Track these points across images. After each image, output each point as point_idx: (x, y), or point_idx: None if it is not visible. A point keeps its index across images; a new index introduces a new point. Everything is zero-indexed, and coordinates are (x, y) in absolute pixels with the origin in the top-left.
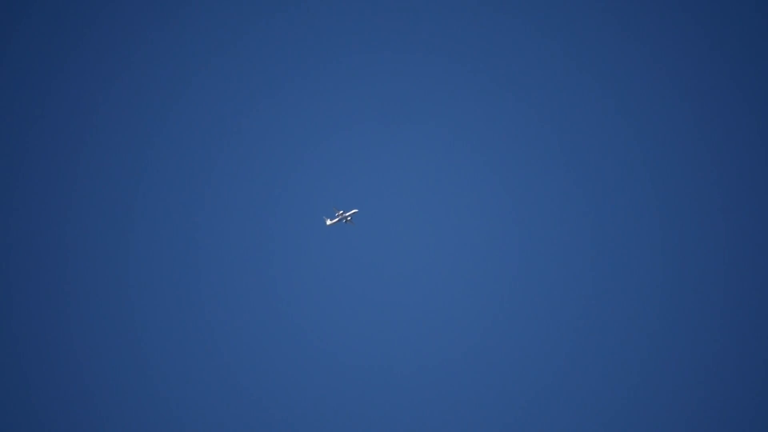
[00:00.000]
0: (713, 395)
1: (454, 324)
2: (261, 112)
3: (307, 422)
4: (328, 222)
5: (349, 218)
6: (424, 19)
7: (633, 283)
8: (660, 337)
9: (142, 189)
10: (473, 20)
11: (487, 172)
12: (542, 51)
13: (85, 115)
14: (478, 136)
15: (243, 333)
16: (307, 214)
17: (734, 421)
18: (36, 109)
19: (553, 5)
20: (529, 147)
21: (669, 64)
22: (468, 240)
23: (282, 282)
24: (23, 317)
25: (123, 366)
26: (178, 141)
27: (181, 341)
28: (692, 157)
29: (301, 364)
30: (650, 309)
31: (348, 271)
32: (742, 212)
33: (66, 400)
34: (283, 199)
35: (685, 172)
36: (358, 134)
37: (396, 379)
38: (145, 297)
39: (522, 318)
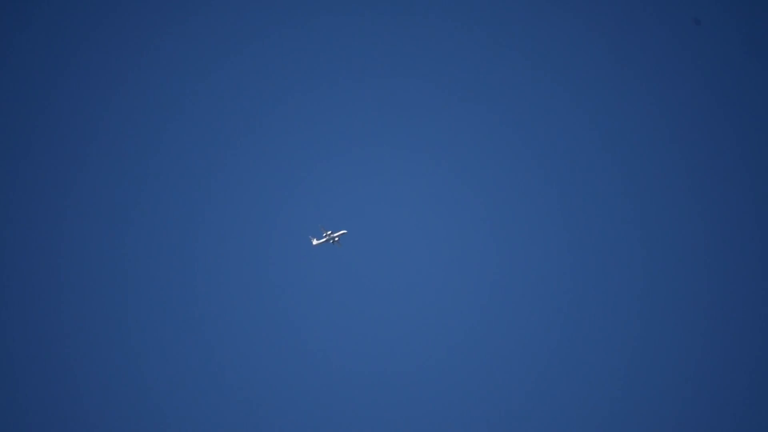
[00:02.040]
0: (702, 393)
1: (445, 328)
2: (263, 129)
3: (302, 424)
4: (315, 242)
5: (336, 239)
6: (416, 42)
7: (619, 283)
8: (648, 336)
9: (144, 196)
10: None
11: (472, 184)
12: (525, 65)
13: (91, 121)
14: (463, 149)
15: (241, 338)
16: (305, 223)
17: (724, 418)
18: (42, 108)
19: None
20: (510, 156)
21: (655, 69)
22: (457, 248)
23: (279, 288)
24: (24, 317)
25: (121, 371)
26: (181, 150)
27: (179, 345)
28: (670, 158)
29: (297, 367)
30: (638, 308)
31: (343, 279)
32: (729, 211)
33: (66, 399)
34: (284, 208)
35: (665, 176)
36: (352, 150)
37: (389, 382)
38: (146, 303)
39: (510, 320)
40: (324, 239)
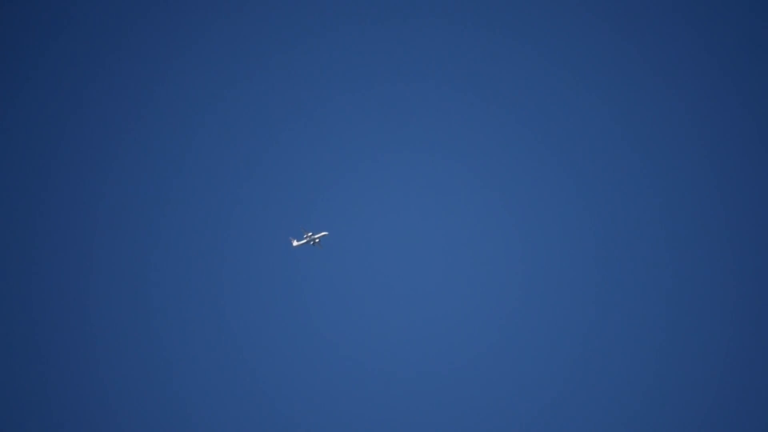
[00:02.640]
0: (716, 397)
1: (456, 329)
2: (265, 132)
3: (312, 423)
4: (295, 243)
5: (317, 240)
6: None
7: (635, 286)
8: (663, 339)
9: (159, 199)
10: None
11: (487, 181)
12: (530, 60)
13: (89, 124)
14: (475, 143)
15: (251, 338)
16: (314, 225)
17: (735, 422)
18: (44, 110)
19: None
20: (525, 153)
21: (662, 69)
22: (471, 247)
23: (290, 287)
24: (41, 317)
25: (133, 366)
26: (179, 153)
27: (189, 344)
28: (689, 160)
29: (309, 367)
30: (653, 311)
31: (355, 279)
32: (742, 213)
33: (81, 399)
34: (291, 211)
35: (684, 176)
36: (364, 153)
37: (400, 382)
38: (158, 301)
39: (523, 322)
40: (304, 240)
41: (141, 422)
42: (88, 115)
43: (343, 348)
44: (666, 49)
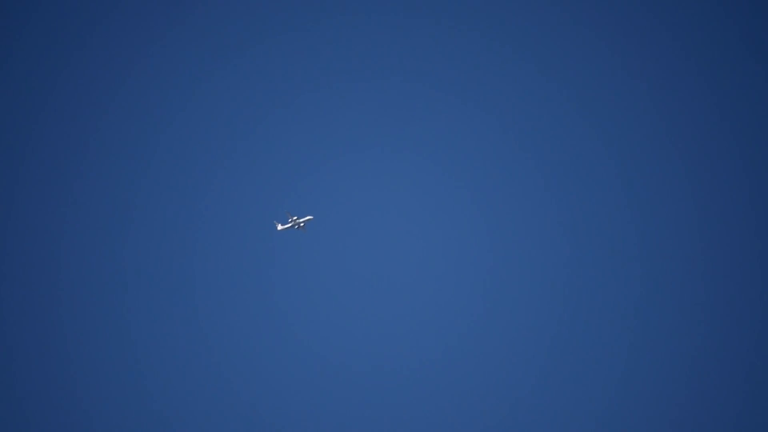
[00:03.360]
0: (702, 394)
1: (439, 325)
2: (256, 128)
3: (298, 423)
4: (279, 227)
5: (302, 224)
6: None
7: (612, 282)
8: (640, 335)
9: (139, 192)
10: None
11: (470, 181)
12: (516, 63)
13: (89, 119)
14: (455, 144)
15: (236, 337)
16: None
17: (724, 418)
18: (40, 109)
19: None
20: (505, 155)
21: (649, 70)
22: (451, 245)
23: (274, 286)
24: (22, 318)
25: (117, 369)
26: (171, 145)
27: (174, 344)
28: (667, 162)
29: (292, 365)
30: (629, 309)
31: (337, 276)
32: (729, 212)
33: (64, 400)
34: (279, 207)
35: (662, 173)
36: (349, 151)
37: (385, 380)
38: (140, 300)
39: (503, 318)
40: (289, 224)
41: (117, 422)
42: (67, 102)
43: (318, 343)
44: (654, 51)
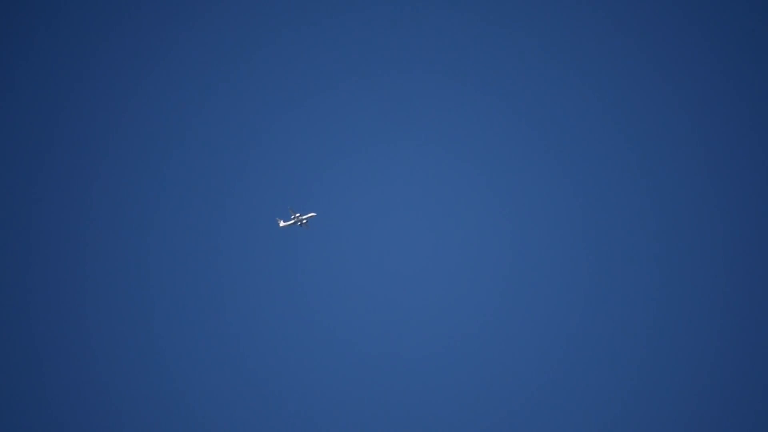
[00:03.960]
0: (715, 397)
1: (452, 319)
2: (264, 127)
3: (313, 415)
4: (282, 224)
5: (305, 221)
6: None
7: (626, 282)
8: (652, 335)
9: (149, 192)
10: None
11: (481, 175)
12: (528, 56)
13: (100, 122)
14: (468, 138)
15: (249, 330)
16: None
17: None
18: (53, 112)
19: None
20: (518, 149)
21: (662, 67)
22: (465, 240)
23: (287, 279)
24: (42, 318)
25: (134, 362)
26: (179, 144)
27: (188, 338)
28: (685, 161)
29: (307, 357)
30: (643, 308)
31: (351, 270)
32: (737, 212)
33: (75, 395)
34: (283, 198)
35: (679, 177)
36: (359, 146)
37: (398, 372)
38: (156, 296)
39: (516, 313)
40: (292, 221)
41: (135, 416)
42: (78, 105)
43: (332, 335)
44: (665, 47)
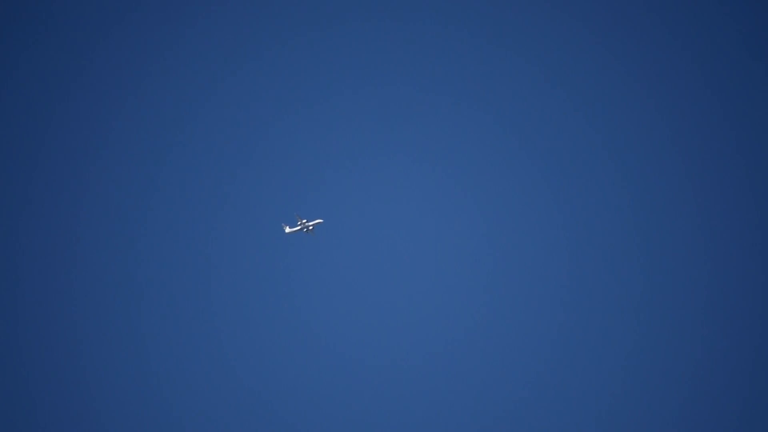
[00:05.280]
0: (701, 394)
1: (442, 321)
2: (260, 130)
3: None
4: (287, 230)
5: (311, 227)
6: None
7: (613, 280)
8: (641, 333)
9: (145, 193)
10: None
11: (473, 182)
12: (519, 66)
13: (100, 124)
14: (458, 145)
15: (239, 332)
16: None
17: (723, 418)
18: (48, 112)
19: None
20: (508, 154)
21: (648, 74)
22: (455, 246)
23: (283, 287)
24: (31, 320)
25: (130, 370)
26: (177, 147)
27: (178, 342)
28: (670, 159)
29: (297, 361)
30: (636, 308)
31: (341, 274)
32: (728, 213)
33: (73, 402)
34: (281, 209)
35: (658, 171)
36: (352, 152)
37: (393, 374)
38: (145, 299)
39: (508, 316)
40: (298, 227)
41: (127, 421)
42: (77, 107)
43: (326, 341)
44: (652, 50)
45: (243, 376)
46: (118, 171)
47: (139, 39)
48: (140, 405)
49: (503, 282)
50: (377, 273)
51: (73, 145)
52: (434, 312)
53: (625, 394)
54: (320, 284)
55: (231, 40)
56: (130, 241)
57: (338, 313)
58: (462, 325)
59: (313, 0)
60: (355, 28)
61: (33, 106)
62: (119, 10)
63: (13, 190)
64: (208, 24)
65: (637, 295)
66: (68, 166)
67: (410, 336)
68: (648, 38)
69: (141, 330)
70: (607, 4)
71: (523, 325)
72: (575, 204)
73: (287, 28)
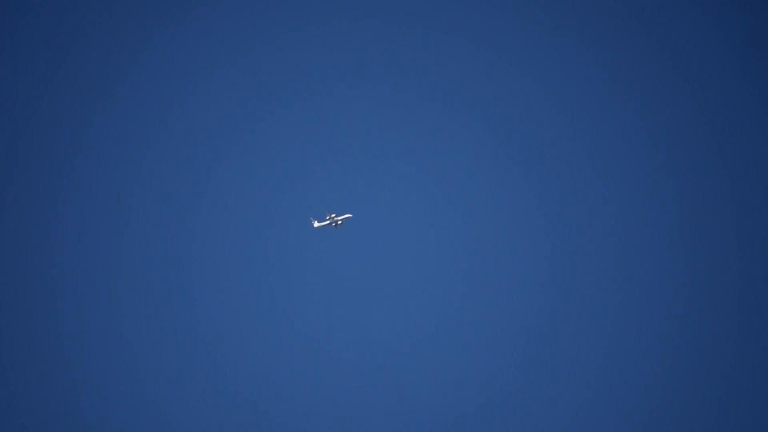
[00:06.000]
0: (683, 394)
1: (428, 317)
2: (266, 128)
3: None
4: (316, 224)
5: (339, 222)
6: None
7: (599, 282)
8: (620, 330)
9: (140, 192)
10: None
11: (454, 180)
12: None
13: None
14: (451, 155)
15: (236, 331)
16: (299, 217)
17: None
18: (39, 110)
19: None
20: (495, 158)
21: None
22: (439, 240)
23: (273, 283)
24: (23, 319)
25: (120, 368)
26: (179, 144)
27: (175, 341)
28: (655, 163)
29: (294, 360)
30: (611, 303)
31: (339, 273)
32: (713, 214)
33: (67, 400)
34: (279, 206)
35: (651, 179)
36: (351, 151)
37: (381, 369)
38: (142, 298)
39: (489, 310)
40: (327, 222)
41: (122, 422)
42: (76, 105)
43: (317, 338)
44: (635, 53)
45: (234, 372)
46: (120, 169)
47: (146, 37)
48: (138, 403)
49: (489, 278)
50: (364, 270)
51: (88, 148)
52: (420, 308)
53: (607, 390)
54: (308, 282)
55: (232, 40)
56: (122, 236)
57: (326, 311)
58: (446, 320)
59: (315, 3)
60: (364, 29)
61: (31, 106)
62: (119, 8)
63: (3, 188)
64: (214, 24)
65: (620, 292)
66: (80, 169)
67: (397, 331)
68: (635, 41)
69: (136, 329)
70: (598, 6)
71: (509, 319)
72: (560, 203)
73: (291, 28)
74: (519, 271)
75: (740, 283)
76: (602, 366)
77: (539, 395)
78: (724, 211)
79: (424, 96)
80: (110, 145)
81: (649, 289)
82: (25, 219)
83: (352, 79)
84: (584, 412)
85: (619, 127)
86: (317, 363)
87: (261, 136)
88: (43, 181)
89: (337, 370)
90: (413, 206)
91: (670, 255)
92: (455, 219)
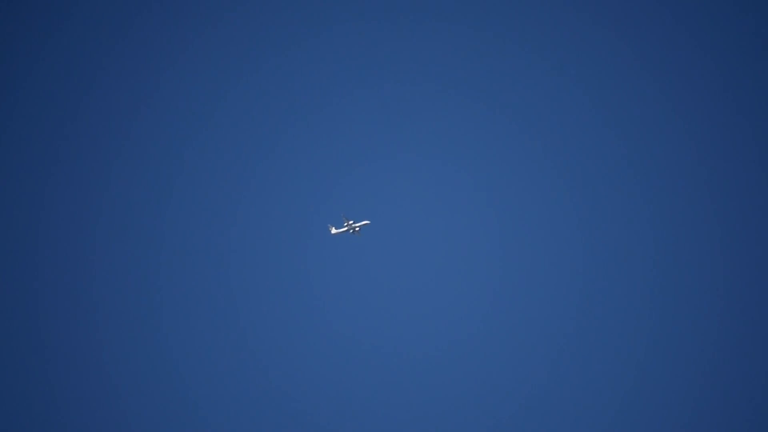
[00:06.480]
0: (711, 400)
1: (454, 318)
2: (286, 131)
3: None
4: (333, 231)
5: (357, 229)
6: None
7: (629, 284)
8: (656, 340)
9: (155, 194)
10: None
11: (484, 182)
12: (528, 63)
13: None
14: (466, 145)
15: (252, 332)
16: (317, 219)
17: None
18: (64, 114)
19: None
20: (516, 153)
21: (657, 72)
22: (466, 241)
23: (303, 284)
24: (41, 319)
25: (142, 364)
26: (192, 149)
27: (192, 342)
28: (682, 156)
29: (323, 361)
30: (648, 311)
31: (355, 272)
32: (742, 211)
33: (87, 398)
34: (293, 205)
35: (672, 172)
36: (372, 152)
37: (401, 374)
38: (164, 300)
39: (516, 313)
40: (344, 228)
41: (148, 417)
42: (94, 115)
43: (338, 337)
44: (661, 51)
45: (257, 371)
46: (130, 174)
47: (154, 44)
48: (153, 403)
49: (516, 280)
50: (390, 271)
51: (113, 153)
52: (446, 309)
53: (633, 396)
54: (334, 282)
55: (240, 43)
56: (141, 240)
57: (352, 310)
58: (473, 323)
59: (325, 5)
60: (377, 29)
61: (49, 109)
62: (135, 15)
63: (33, 189)
64: (227, 28)
65: (649, 298)
66: (91, 172)
67: (423, 332)
68: (658, 34)
69: (151, 327)
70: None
71: (534, 323)
72: (587, 202)
73: (302, 30)
74: (553, 277)
75: None
76: (636, 379)
77: (568, 405)
78: None
79: (452, 94)
80: (135, 155)
81: (690, 304)
82: (61, 221)
83: (369, 81)
84: (617, 427)
85: (656, 122)
86: (341, 362)
87: (277, 144)
88: (60, 186)
89: (359, 369)
90: (446, 208)
91: (711, 272)
92: (489, 221)
